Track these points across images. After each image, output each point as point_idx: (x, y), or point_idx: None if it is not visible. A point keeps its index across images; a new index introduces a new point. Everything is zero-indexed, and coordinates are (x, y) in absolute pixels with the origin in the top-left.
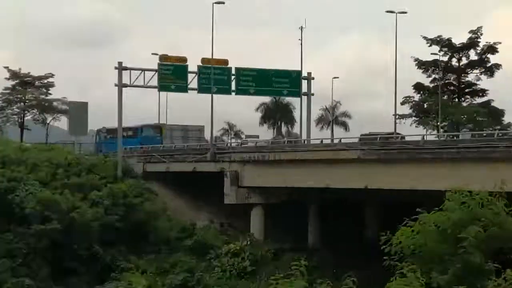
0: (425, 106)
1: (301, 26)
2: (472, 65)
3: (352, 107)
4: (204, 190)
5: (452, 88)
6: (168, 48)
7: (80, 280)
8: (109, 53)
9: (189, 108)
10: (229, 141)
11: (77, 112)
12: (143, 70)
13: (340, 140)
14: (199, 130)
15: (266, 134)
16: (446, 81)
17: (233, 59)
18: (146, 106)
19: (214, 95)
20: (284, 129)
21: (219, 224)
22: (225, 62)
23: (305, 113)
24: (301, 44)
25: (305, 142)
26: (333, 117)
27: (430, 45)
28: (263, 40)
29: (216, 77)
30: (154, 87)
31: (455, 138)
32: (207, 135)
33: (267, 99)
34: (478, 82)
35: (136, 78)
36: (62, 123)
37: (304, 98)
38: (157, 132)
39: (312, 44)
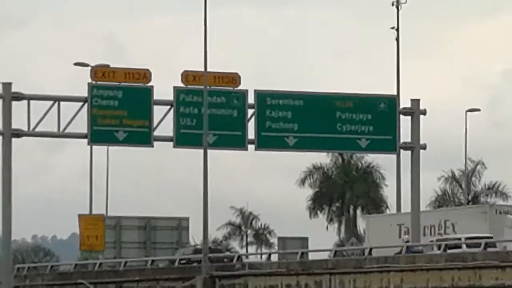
0: None
1: (397, 1)
2: None
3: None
4: None
5: None
6: (110, 54)
7: None
8: None
9: (156, 179)
10: (243, 250)
11: None
12: (57, 100)
13: (486, 247)
14: (176, 226)
15: (322, 233)
16: None
17: (252, 74)
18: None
19: (212, 152)
20: (362, 223)
21: None
22: (234, 79)
23: (406, 187)
24: (397, 39)
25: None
26: (467, 196)
27: None
28: (310, 32)
29: (214, 111)
30: (80, 136)
31: None
32: (194, 235)
33: (323, 157)
34: None
35: (41, 118)
36: None
37: (406, 155)
38: None
39: (419, 40)
